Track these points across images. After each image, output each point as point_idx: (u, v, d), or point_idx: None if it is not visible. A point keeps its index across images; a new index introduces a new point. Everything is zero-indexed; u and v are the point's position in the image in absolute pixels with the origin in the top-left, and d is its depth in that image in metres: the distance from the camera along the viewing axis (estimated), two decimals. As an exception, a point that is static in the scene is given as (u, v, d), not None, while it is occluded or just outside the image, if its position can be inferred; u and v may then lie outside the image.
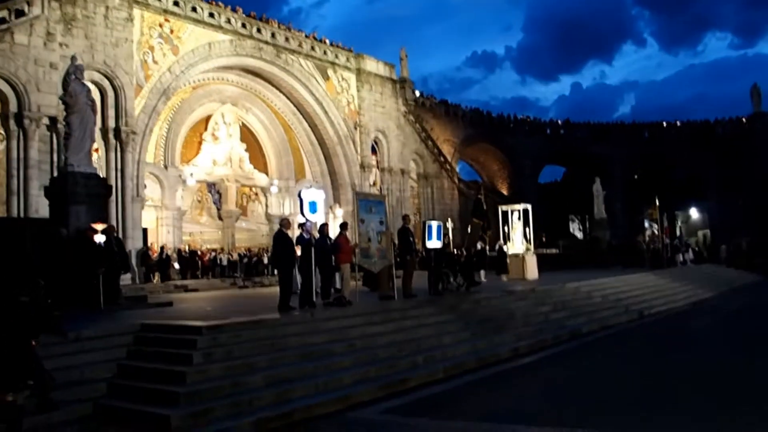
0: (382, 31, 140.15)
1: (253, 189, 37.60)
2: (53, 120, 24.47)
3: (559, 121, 60.52)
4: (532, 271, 24.01)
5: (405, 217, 16.76)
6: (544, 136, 57.62)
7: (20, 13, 24.53)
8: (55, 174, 23.83)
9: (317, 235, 13.50)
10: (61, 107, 23.71)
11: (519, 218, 25.43)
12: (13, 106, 24.23)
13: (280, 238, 12.95)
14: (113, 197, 23.88)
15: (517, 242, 25.11)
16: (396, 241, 16.35)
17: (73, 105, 15.00)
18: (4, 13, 24.10)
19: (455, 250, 22.25)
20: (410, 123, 42.92)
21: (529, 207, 25.34)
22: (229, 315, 12.59)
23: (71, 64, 15.58)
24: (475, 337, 13.21)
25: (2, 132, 24.58)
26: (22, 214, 23.52)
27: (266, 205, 37.76)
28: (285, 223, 13.42)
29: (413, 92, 45.69)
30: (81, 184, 14.52)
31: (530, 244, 25.25)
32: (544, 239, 36.69)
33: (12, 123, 24.23)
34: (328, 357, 10.78)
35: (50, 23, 25.25)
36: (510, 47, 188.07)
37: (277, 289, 13.57)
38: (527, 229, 25.25)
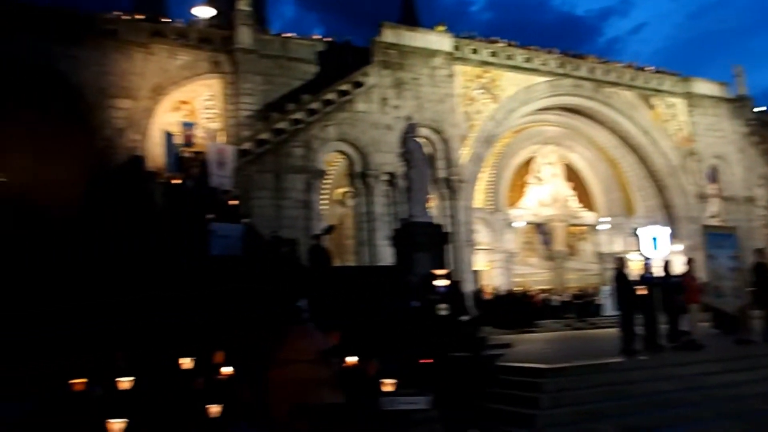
0: (711, 48, 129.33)
1: (581, 228, 36.89)
2: (391, 175, 26.93)
3: None
4: None
5: (760, 251, 14.95)
6: None
7: (358, 85, 27.66)
8: (395, 225, 26.14)
9: (660, 274, 12.70)
10: (399, 164, 26.15)
11: None
12: (358, 167, 27.23)
13: (620, 277, 12.43)
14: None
15: None
16: (751, 278, 14.63)
17: (410, 161, 16.33)
18: (347, 87, 27.37)
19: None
20: (754, 144, 38.60)
21: None
22: (569, 358, 12.36)
23: (407, 124, 17.06)
24: None
25: (351, 189, 27.76)
26: (369, 263, 26.03)
27: (595, 244, 36.71)
28: (622, 262, 12.86)
29: (752, 110, 41.12)
30: (421, 233, 15.65)
31: None
32: None
33: (358, 181, 27.20)
34: (683, 406, 9.97)
35: (384, 89, 28.04)
36: None
37: (613, 330, 13.02)
38: None
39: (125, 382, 8.28)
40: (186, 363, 8.67)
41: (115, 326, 10.74)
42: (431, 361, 7.20)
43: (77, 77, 24.58)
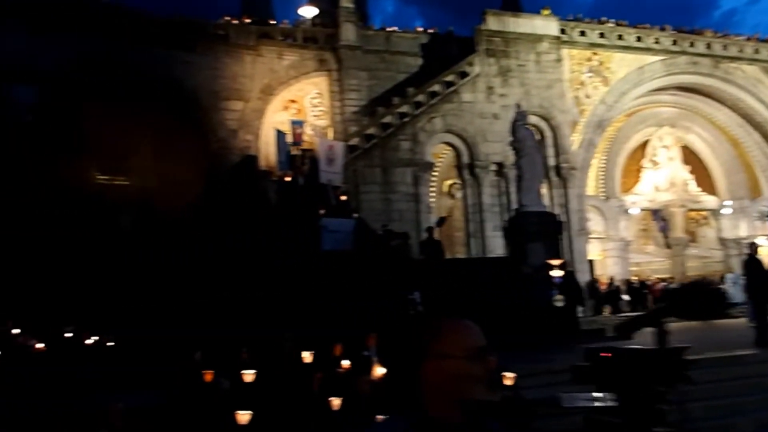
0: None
1: (702, 213, 35.06)
2: (499, 165, 26.54)
3: None
4: None
5: None
6: None
7: (463, 75, 27.38)
8: (504, 215, 25.77)
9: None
10: (506, 153, 25.72)
11: None
12: (465, 158, 26.97)
13: (752, 264, 11.66)
14: (559, 232, 24.74)
15: None
16: None
17: (521, 149, 16.02)
18: (452, 77, 27.15)
19: None
20: None
21: None
22: (697, 349, 11.67)
23: (516, 112, 16.74)
24: None
25: (459, 181, 27.55)
26: (480, 255, 25.76)
27: (718, 229, 34.78)
28: (754, 247, 12.07)
29: None
30: (535, 222, 15.31)
31: None
32: None
33: (465, 172, 26.94)
34: (829, 401, 9.22)
35: (489, 78, 27.64)
36: None
37: (741, 320, 12.27)
38: None
39: (249, 375, 8.55)
40: (306, 357, 8.84)
41: (237, 325, 11.15)
42: (609, 355, 6.85)
43: (192, 82, 25.62)
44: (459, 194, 27.71)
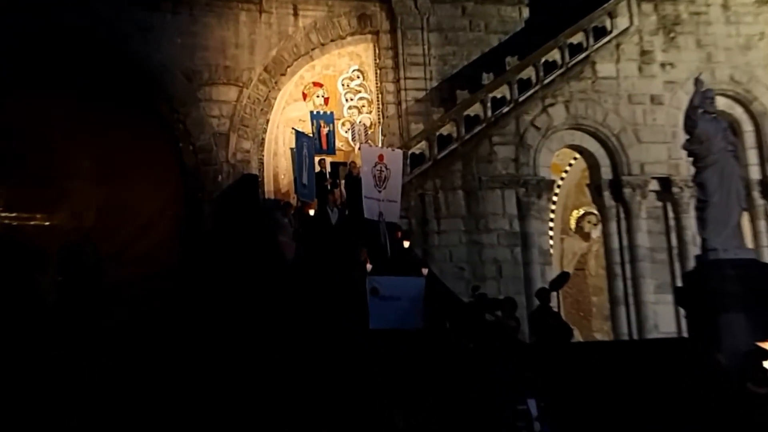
0: None
1: None
2: (664, 183, 25.84)
3: None
4: None
5: None
6: None
7: (600, 33, 26.91)
8: (677, 266, 25.10)
9: None
10: (676, 162, 25.18)
11: None
12: (605, 171, 26.40)
13: None
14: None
15: None
16: None
17: (704, 155, 15.48)
18: (579, 38, 26.73)
19: None
20: None
21: None
22: None
23: (695, 93, 16.22)
24: None
25: (595, 210, 26.94)
26: (634, 335, 25.07)
27: None
28: None
29: None
30: (732, 277, 14.75)
31: None
32: None
33: (607, 195, 26.33)
34: None
35: (643, 37, 27.17)
36: None
37: None
38: None
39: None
40: None
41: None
42: None
43: (156, 57, 25.86)
44: (596, 232, 27.24)
